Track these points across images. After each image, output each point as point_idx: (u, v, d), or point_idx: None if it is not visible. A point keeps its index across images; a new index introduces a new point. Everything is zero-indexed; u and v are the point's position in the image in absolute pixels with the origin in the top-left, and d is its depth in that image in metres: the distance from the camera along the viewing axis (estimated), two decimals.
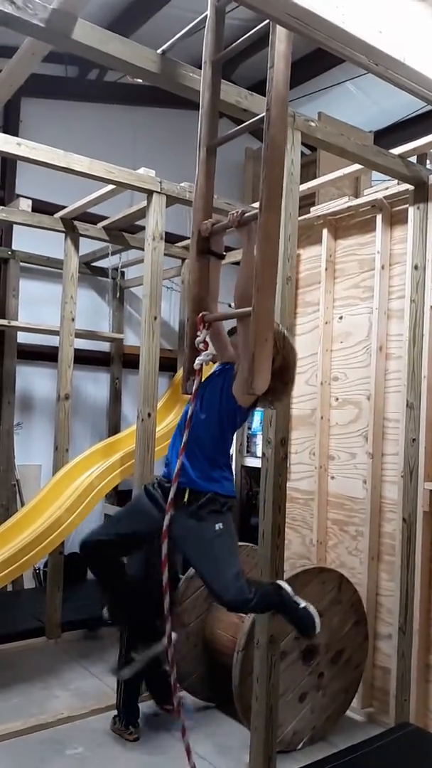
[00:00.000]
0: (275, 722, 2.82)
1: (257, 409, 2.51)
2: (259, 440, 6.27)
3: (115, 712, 3.36)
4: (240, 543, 3.77)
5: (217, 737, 3.32)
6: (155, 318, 3.73)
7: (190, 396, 2.33)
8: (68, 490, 4.07)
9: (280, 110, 2.04)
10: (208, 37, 2.38)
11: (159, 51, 2.46)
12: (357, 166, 3.58)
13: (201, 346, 2.29)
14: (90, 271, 5.67)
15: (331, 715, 3.35)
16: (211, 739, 3.29)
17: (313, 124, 2.96)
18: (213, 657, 3.53)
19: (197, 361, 2.29)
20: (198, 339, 2.28)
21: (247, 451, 6.31)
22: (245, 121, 2.43)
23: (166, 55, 2.47)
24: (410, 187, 3.49)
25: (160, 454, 4.21)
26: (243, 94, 2.67)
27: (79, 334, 4.86)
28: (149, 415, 3.72)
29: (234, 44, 2.40)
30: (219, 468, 2.44)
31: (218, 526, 2.38)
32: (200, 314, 2.31)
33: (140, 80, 2.60)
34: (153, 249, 3.76)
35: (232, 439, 2.54)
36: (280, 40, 2.02)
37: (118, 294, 5.87)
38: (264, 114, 2.08)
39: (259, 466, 6.15)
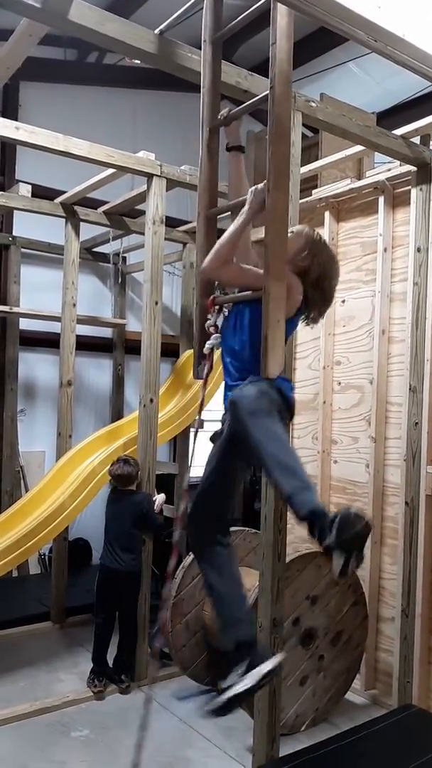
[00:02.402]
0: (278, 705, 2.84)
1: (298, 322, 2.31)
2: None
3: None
4: (240, 528, 3.81)
5: (223, 720, 3.27)
6: (156, 303, 3.72)
7: (200, 381, 2.30)
8: (71, 476, 4.07)
9: (284, 88, 2.01)
10: (207, 16, 2.35)
11: (156, 31, 2.42)
12: (359, 148, 3.54)
13: (211, 329, 2.25)
14: (91, 256, 5.65)
15: (333, 696, 3.37)
16: (216, 722, 3.29)
17: (314, 104, 2.92)
18: (213, 643, 3.54)
19: (207, 345, 2.27)
20: (209, 322, 2.24)
21: None
22: (246, 102, 2.40)
23: (164, 36, 2.43)
24: (413, 168, 3.44)
25: (162, 440, 4.22)
26: (243, 75, 2.63)
27: (81, 320, 4.85)
28: (151, 400, 3.72)
29: (233, 22, 2.36)
30: None
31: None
32: (211, 297, 2.27)
33: (138, 61, 2.56)
34: (153, 233, 3.74)
35: None
36: (282, 15, 1.99)
37: (119, 279, 5.84)
38: (268, 92, 2.04)
39: None
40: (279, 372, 2.01)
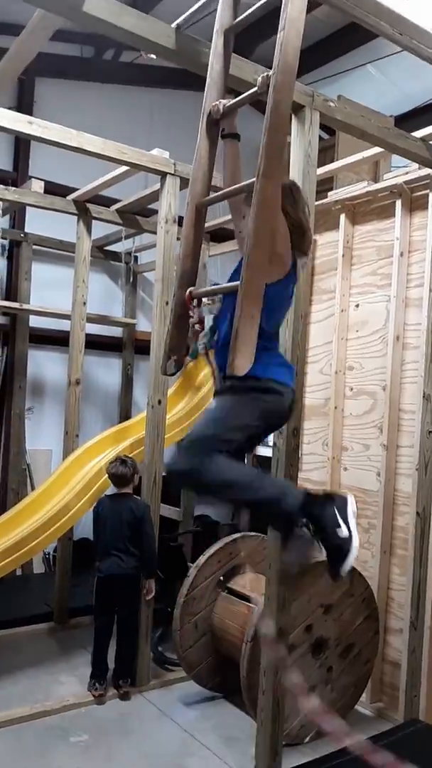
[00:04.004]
0: (282, 716, 2.77)
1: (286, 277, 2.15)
2: None
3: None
4: (251, 533, 3.75)
5: (224, 728, 3.29)
6: (167, 303, 3.66)
7: (171, 376, 2.21)
8: (77, 476, 4.03)
9: (287, 77, 1.91)
10: (221, 5, 2.27)
11: (173, 25, 2.37)
12: (376, 150, 3.48)
13: (197, 326, 2.13)
14: (103, 255, 5.61)
15: (340, 710, 3.29)
16: (218, 730, 3.26)
17: (332, 104, 2.85)
18: (221, 647, 3.49)
19: (199, 346, 2.20)
20: (192, 320, 2.13)
21: None
22: (261, 103, 2.32)
23: (182, 32, 2.38)
24: (431, 171, 3.38)
25: (170, 441, 4.16)
26: (260, 72, 2.57)
27: (91, 319, 4.81)
28: (159, 402, 3.67)
29: (246, 14, 2.28)
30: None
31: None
32: (188, 290, 2.14)
33: (154, 56, 2.51)
34: (166, 232, 3.69)
35: (271, 322, 2.14)
36: (293, 3, 1.91)
37: (131, 279, 5.80)
38: (270, 75, 1.94)
39: (270, 455, 6.15)
40: (246, 370, 1.85)
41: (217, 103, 2.23)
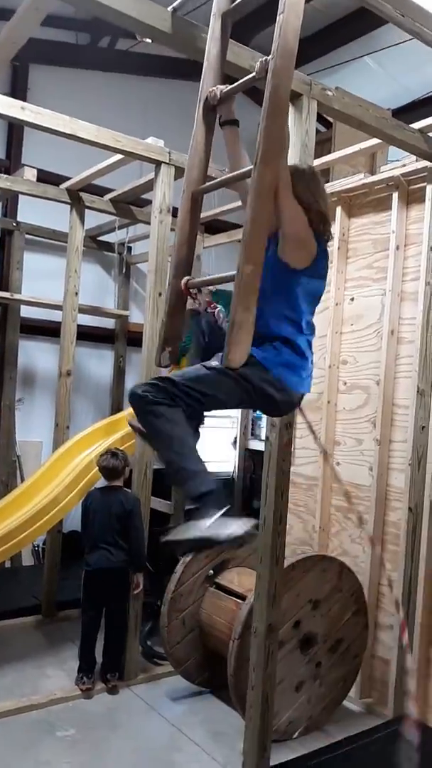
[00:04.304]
0: (271, 712, 2.75)
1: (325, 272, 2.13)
2: (263, 423, 6.18)
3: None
4: None
5: (212, 723, 3.26)
6: (160, 294, 3.62)
7: (165, 368, 2.15)
8: (67, 468, 3.99)
9: (287, 61, 1.86)
10: None
11: (170, 8, 2.32)
12: (373, 142, 3.45)
13: (209, 309, 2.10)
14: (96, 245, 5.54)
15: (328, 705, 3.28)
16: (206, 725, 3.24)
17: (330, 93, 2.81)
18: (209, 642, 3.47)
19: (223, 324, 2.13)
20: (198, 307, 2.11)
21: (252, 434, 6.23)
22: (257, 90, 2.27)
23: (179, 15, 2.33)
24: (429, 164, 3.34)
25: None
26: (258, 58, 2.51)
27: (83, 310, 4.76)
28: None
29: None
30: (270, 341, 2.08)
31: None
32: (183, 281, 2.08)
33: (149, 40, 2.46)
34: (159, 222, 3.64)
35: (296, 310, 2.09)
36: None
37: (124, 269, 5.74)
38: (269, 60, 1.88)
39: (263, 449, 6.11)
40: (242, 362, 1.82)
41: (214, 88, 2.18)
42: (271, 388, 2.02)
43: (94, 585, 3.53)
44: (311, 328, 2.18)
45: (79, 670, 3.50)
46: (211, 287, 2.18)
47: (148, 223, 4.76)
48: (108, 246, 5.68)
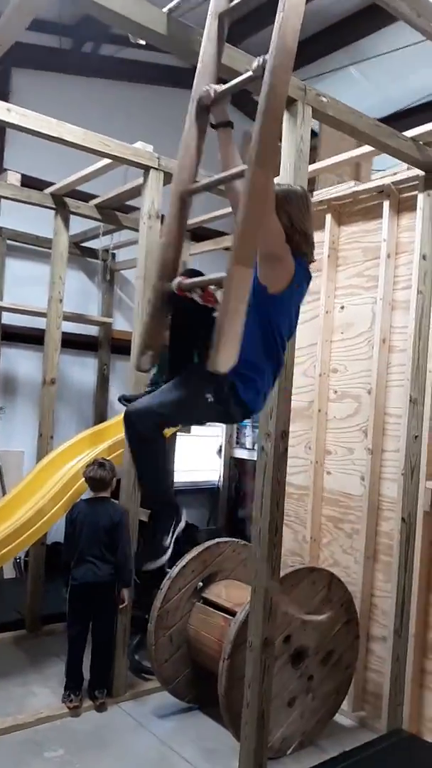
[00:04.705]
0: (267, 730, 2.68)
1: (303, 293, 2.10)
2: (248, 432, 6.13)
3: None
4: (229, 539, 3.65)
5: (203, 741, 3.19)
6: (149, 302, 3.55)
7: (145, 372, 2.12)
8: (52, 480, 3.89)
9: (285, 60, 1.80)
10: None
11: (165, 9, 2.27)
12: (362, 150, 3.44)
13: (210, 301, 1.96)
14: (79, 251, 5.46)
15: (322, 719, 3.22)
16: (197, 743, 3.16)
17: (324, 99, 2.79)
18: (197, 659, 3.39)
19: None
20: (202, 302, 1.95)
21: (237, 443, 6.18)
22: (245, 100, 2.22)
23: (174, 17, 2.28)
24: (420, 172, 3.34)
25: None
26: (253, 62, 2.47)
27: (67, 317, 4.67)
28: None
29: None
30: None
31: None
32: (176, 281, 1.96)
33: (143, 42, 2.41)
34: (148, 228, 3.58)
35: (271, 343, 2.06)
36: None
37: (108, 276, 5.66)
38: (266, 58, 1.83)
39: (248, 458, 6.06)
40: (229, 367, 1.73)
41: (208, 88, 2.10)
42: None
43: (81, 600, 3.44)
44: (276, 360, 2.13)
45: (66, 687, 3.41)
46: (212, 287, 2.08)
47: (134, 229, 4.76)
48: (91, 252, 5.61)
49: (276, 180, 2.06)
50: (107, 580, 3.43)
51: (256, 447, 5.88)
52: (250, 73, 1.99)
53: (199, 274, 2.04)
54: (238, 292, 1.72)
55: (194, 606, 3.40)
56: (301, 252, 2.01)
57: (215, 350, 1.71)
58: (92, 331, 5.84)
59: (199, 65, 2.18)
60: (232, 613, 3.17)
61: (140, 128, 5.57)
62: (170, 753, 3.07)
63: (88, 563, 3.42)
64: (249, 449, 6.04)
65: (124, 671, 3.58)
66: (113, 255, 5.72)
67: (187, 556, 3.41)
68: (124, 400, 2.33)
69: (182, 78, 6.32)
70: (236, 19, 2.24)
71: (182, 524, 2.21)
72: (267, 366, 2.05)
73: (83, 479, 3.66)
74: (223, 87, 2.12)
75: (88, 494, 3.67)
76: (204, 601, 3.40)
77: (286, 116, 2.68)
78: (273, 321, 2.02)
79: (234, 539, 3.62)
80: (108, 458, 3.75)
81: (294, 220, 1.99)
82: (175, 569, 3.35)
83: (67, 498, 3.74)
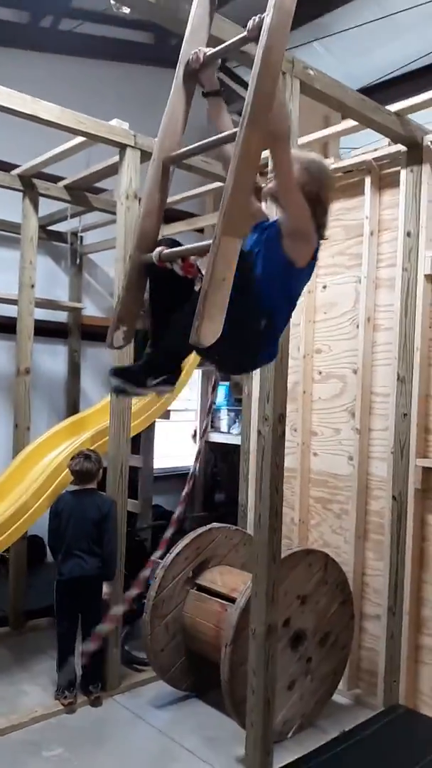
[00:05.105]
0: (272, 716, 2.67)
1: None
2: (223, 415, 6.08)
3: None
4: (222, 524, 3.61)
5: (203, 729, 3.15)
6: None
7: (118, 349, 2.01)
8: (34, 473, 3.77)
9: (283, 20, 1.70)
10: None
11: None
12: (330, 131, 3.44)
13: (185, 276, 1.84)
14: (45, 235, 5.27)
15: (320, 699, 3.23)
16: (198, 732, 3.12)
17: (312, 72, 2.72)
18: (194, 646, 3.34)
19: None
20: (184, 274, 1.84)
21: (212, 427, 6.13)
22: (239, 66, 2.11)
23: None
24: (402, 148, 3.30)
25: (135, 430, 3.96)
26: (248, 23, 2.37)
27: (39, 303, 4.51)
28: None
29: None
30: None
31: None
32: (156, 252, 1.85)
33: (127, 11, 2.29)
34: (126, 209, 3.46)
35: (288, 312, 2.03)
36: None
37: (77, 260, 5.49)
38: (263, 17, 1.72)
39: (224, 441, 6.01)
40: (214, 339, 1.63)
41: (197, 51, 2.00)
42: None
43: (69, 595, 3.35)
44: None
45: (59, 683, 3.32)
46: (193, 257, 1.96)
47: (106, 210, 4.64)
48: (58, 236, 5.43)
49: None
50: (95, 573, 3.34)
51: (231, 430, 5.87)
52: (244, 34, 1.89)
53: (179, 244, 1.94)
54: (224, 265, 1.64)
55: (189, 593, 3.35)
56: (319, 224, 1.92)
57: (199, 322, 1.62)
58: (61, 317, 5.67)
59: (187, 29, 2.07)
60: (229, 599, 3.13)
61: (111, 108, 5.40)
62: (171, 744, 3.02)
63: (76, 557, 3.33)
64: (224, 433, 6.00)
65: (117, 664, 3.51)
66: (81, 238, 5.54)
67: (180, 543, 3.35)
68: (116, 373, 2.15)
69: (155, 55, 6.16)
70: None
71: None
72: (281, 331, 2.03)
73: (67, 471, 3.55)
74: (213, 50, 2.02)
75: (72, 485, 3.57)
76: (199, 588, 3.35)
77: None
78: (294, 294, 1.98)
79: (226, 525, 3.57)
80: (92, 448, 3.65)
81: (319, 193, 1.90)
82: (169, 557, 3.29)
83: (51, 491, 3.64)
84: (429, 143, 3.24)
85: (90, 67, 5.64)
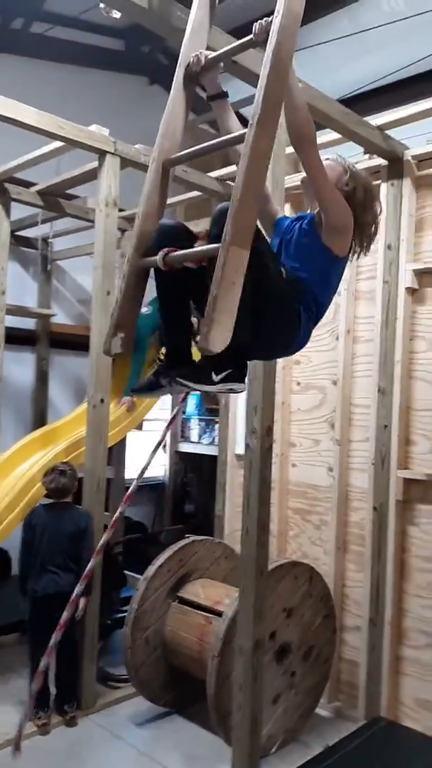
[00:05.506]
0: (260, 732, 2.63)
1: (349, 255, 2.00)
2: (193, 425, 6.03)
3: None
4: (204, 537, 3.57)
5: (184, 747, 3.09)
6: (108, 293, 3.39)
7: (115, 357, 1.89)
8: (5, 485, 3.65)
9: (292, 23, 1.69)
10: None
11: None
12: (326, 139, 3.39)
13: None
14: (14, 240, 5.14)
15: (304, 713, 3.20)
16: (179, 749, 3.06)
17: (299, 84, 2.70)
18: (175, 660, 3.28)
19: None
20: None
21: (182, 437, 6.07)
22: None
23: None
24: (382, 162, 3.34)
25: (112, 441, 3.89)
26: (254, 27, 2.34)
27: (8, 310, 4.40)
28: (102, 400, 3.38)
29: None
30: None
31: None
32: (160, 255, 1.76)
33: (118, 15, 2.25)
34: (106, 216, 3.40)
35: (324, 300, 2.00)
36: None
37: (49, 267, 5.38)
38: (270, 21, 1.70)
39: (195, 451, 5.95)
40: (223, 346, 1.57)
41: (198, 53, 1.95)
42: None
43: (43, 612, 3.23)
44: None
45: (32, 704, 3.20)
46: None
47: (78, 217, 4.56)
48: (26, 241, 5.31)
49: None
50: (70, 590, 3.24)
51: (202, 440, 5.83)
52: (250, 37, 1.86)
53: (182, 234, 1.85)
54: (233, 271, 1.58)
55: (171, 606, 3.28)
56: (363, 234, 1.97)
57: (207, 327, 1.55)
58: (29, 324, 5.54)
59: (188, 29, 2.03)
60: (214, 612, 3.08)
61: (84, 113, 5.32)
62: (152, 764, 2.95)
63: (50, 573, 3.23)
64: (195, 442, 5.95)
65: (93, 681, 3.42)
66: (51, 244, 5.43)
67: (163, 556, 3.29)
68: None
69: (120, 61, 6.11)
70: None
71: None
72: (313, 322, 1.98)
73: (39, 484, 3.45)
74: (215, 53, 1.99)
75: (45, 498, 3.47)
76: (181, 600, 3.29)
77: None
78: (332, 279, 1.97)
79: (208, 537, 3.53)
80: (66, 461, 3.56)
81: (357, 193, 1.93)
82: (151, 569, 3.23)
83: (24, 504, 3.53)
84: (409, 158, 3.28)
85: (62, 72, 5.55)
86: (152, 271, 1.87)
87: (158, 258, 1.77)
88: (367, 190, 1.96)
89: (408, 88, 6.09)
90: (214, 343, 1.55)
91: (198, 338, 1.63)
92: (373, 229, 1.99)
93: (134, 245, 1.90)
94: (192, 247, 1.79)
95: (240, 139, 1.70)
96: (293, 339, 1.91)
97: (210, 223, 1.75)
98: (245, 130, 1.67)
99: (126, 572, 4.22)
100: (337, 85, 6.36)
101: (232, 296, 1.58)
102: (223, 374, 1.75)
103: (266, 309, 1.73)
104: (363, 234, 1.97)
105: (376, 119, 3.28)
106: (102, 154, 3.37)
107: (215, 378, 1.76)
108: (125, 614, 3.35)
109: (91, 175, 3.67)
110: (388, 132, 3.28)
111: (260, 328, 1.70)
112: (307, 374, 3.74)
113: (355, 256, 2.02)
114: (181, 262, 1.77)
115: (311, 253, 1.89)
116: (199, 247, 1.78)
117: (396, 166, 3.29)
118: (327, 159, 1.96)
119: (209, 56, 1.96)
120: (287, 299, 1.84)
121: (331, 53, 5.97)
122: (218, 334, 1.56)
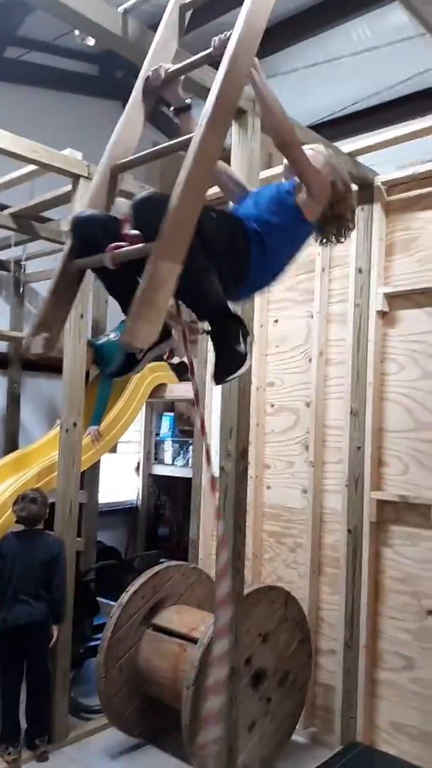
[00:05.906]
0: (235, 762, 2.57)
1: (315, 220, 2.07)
2: (167, 446, 6.00)
3: None
4: (179, 562, 3.52)
5: None
6: (82, 316, 3.37)
7: (35, 356, 1.77)
8: None
9: (252, 34, 1.77)
10: None
11: (120, 9, 2.15)
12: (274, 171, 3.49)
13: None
14: None
15: (280, 741, 3.16)
16: None
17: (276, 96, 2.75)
18: (149, 689, 3.22)
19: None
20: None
21: (156, 459, 6.03)
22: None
23: (128, 16, 2.16)
24: (354, 187, 3.38)
25: (86, 464, 3.84)
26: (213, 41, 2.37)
27: None
28: (75, 424, 3.35)
29: None
30: None
31: None
32: (109, 255, 1.64)
33: (92, 42, 2.27)
34: None
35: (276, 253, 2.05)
36: None
37: (21, 289, 5.34)
38: (227, 34, 1.76)
39: (168, 474, 5.90)
40: (148, 343, 1.53)
41: (158, 67, 1.97)
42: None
43: (14, 643, 3.15)
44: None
45: (1, 739, 3.11)
46: None
47: (51, 240, 4.54)
48: None
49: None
50: (43, 619, 3.18)
51: (176, 462, 5.80)
52: (209, 51, 1.89)
53: (102, 224, 1.76)
54: (170, 260, 1.52)
55: (145, 634, 3.23)
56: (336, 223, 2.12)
57: (132, 322, 1.49)
58: (1, 347, 5.48)
59: (152, 47, 2.05)
60: (189, 639, 3.04)
61: (57, 137, 5.33)
62: None
63: (22, 602, 3.15)
64: (168, 465, 5.91)
65: (65, 713, 3.33)
66: (24, 267, 5.40)
67: (137, 582, 3.24)
68: None
69: (94, 86, 6.15)
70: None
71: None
72: (274, 268, 2.08)
73: (10, 510, 3.38)
74: (175, 66, 2.00)
75: (16, 526, 3.40)
76: (155, 628, 3.24)
77: (235, 128, 2.64)
78: (294, 240, 2.08)
79: (182, 563, 3.49)
80: (37, 487, 3.50)
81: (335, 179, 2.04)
82: (125, 596, 3.18)
83: None
84: (379, 183, 3.34)
85: (37, 96, 5.57)
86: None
87: (106, 260, 1.66)
88: (345, 182, 2.09)
89: (377, 115, 6.24)
90: (138, 339, 1.50)
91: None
92: (349, 217, 2.13)
93: (70, 246, 1.80)
94: (120, 234, 1.69)
95: (188, 142, 1.67)
96: (247, 269, 1.94)
97: (131, 213, 1.66)
98: (191, 135, 1.67)
99: (99, 599, 4.14)
100: (308, 112, 6.50)
101: (163, 294, 1.52)
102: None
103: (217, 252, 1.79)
104: (340, 224, 2.12)
105: (347, 145, 3.34)
106: (76, 177, 3.37)
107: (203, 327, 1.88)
108: (98, 642, 3.28)
109: (65, 198, 3.68)
110: (358, 158, 3.37)
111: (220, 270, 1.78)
112: (281, 396, 3.75)
113: (330, 244, 2.21)
114: (129, 258, 1.65)
115: (282, 207, 1.98)
116: (135, 247, 1.65)
117: (366, 192, 3.35)
118: (311, 149, 2.10)
119: (169, 70, 1.99)
120: (233, 238, 1.90)
121: (302, 80, 6.09)
122: (143, 330, 1.50)
